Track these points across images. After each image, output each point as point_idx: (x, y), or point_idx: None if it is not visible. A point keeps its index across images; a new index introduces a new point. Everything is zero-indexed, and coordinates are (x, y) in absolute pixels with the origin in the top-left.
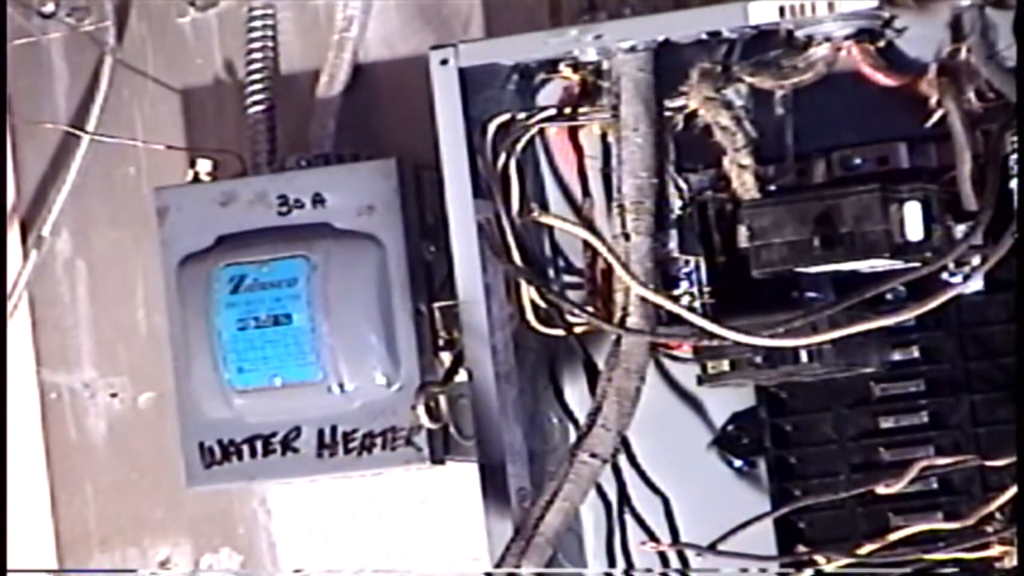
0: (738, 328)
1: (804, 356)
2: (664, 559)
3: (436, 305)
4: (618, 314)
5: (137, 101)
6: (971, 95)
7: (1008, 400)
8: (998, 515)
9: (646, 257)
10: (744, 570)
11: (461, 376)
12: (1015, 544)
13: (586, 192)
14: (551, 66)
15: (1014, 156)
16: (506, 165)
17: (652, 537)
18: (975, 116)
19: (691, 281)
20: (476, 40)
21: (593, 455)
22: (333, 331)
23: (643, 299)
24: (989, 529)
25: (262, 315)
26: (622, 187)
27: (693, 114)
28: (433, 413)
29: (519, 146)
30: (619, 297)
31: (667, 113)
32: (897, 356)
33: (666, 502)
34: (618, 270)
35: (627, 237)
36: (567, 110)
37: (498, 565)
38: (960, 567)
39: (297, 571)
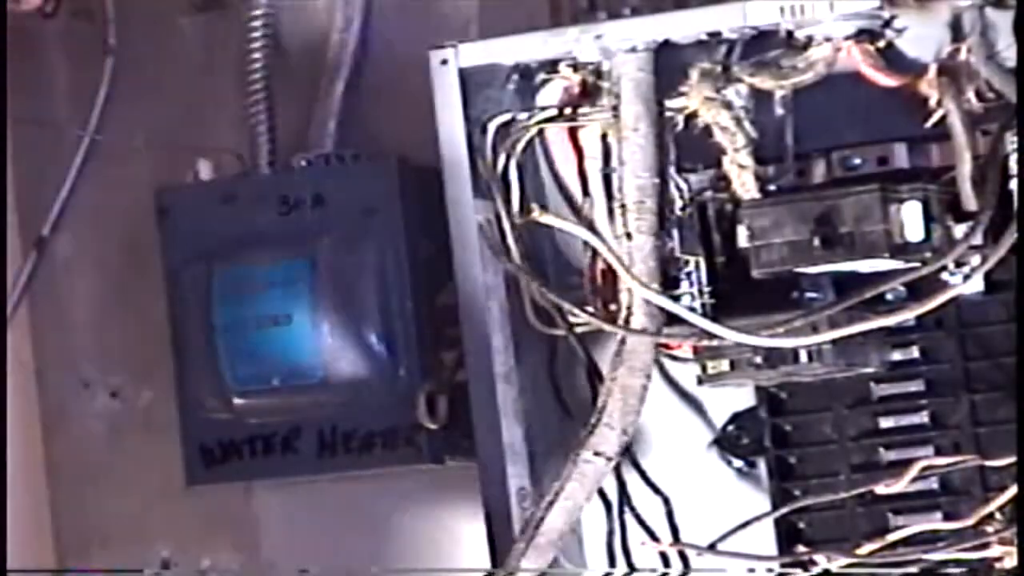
0: (738, 328)
1: (804, 356)
2: (664, 559)
3: (436, 305)
4: (623, 314)
5: (137, 101)
6: (971, 95)
7: (1008, 400)
8: (998, 515)
9: (649, 256)
10: (747, 570)
11: (461, 376)
12: (1015, 544)
13: (586, 192)
14: (551, 66)
15: (1014, 156)
16: (506, 165)
17: (652, 537)
18: (975, 116)
19: (691, 281)
20: (476, 40)
21: (597, 454)
22: (333, 331)
23: (647, 299)
24: (989, 529)
25: (262, 315)
26: (623, 187)
27: (693, 114)
28: (433, 413)
29: (519, 146)
30: (623, 297)
31: (667, 113)
32: (897, 356)
33: (666, 502)
34: (619, 270)
35: (629, 237)
36: (567, 110)
37: (498, 565)
38: (960, 567)
39: (302, 571)
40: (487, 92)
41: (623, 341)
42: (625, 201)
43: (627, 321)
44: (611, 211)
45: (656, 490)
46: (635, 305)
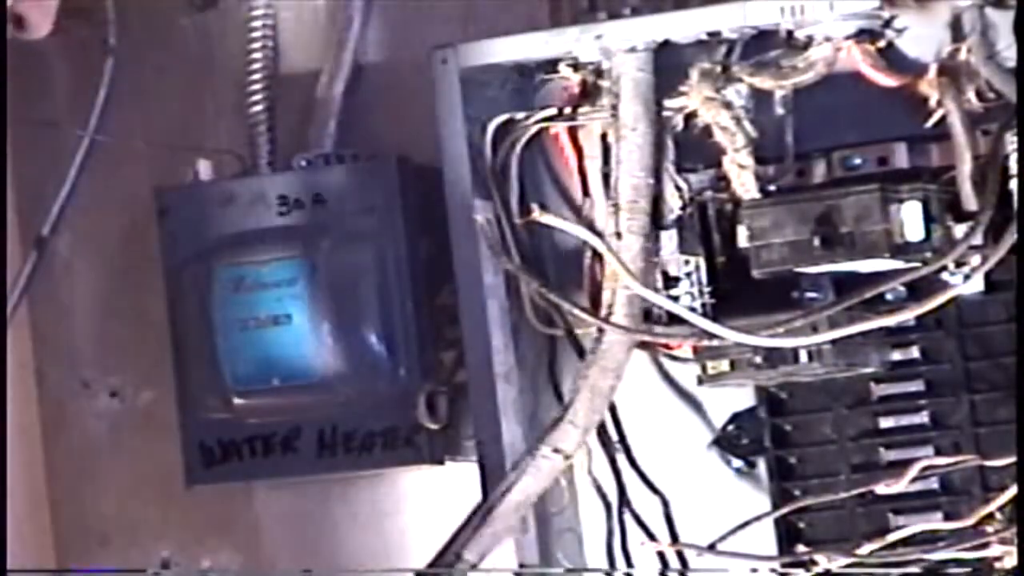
0: (738, 328)
1: (804, 356)
2: (662, 559)
3: (436, 305)
4: (603, 311)
5: (137, 101)
6: (971, 95)
7: (1008, 400)
8: (998, 515)
9: (638, 256)
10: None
11: (461, 376)
12: (1015, 544)
13: (586, 192)
14: (551, 66)
15: (1014, 156)
16: (506, 165)
17: (651, 537)
18: (975, 116)
19: (691, 281)
20: (476, 40)
21: (556, 450)
22: (333, 331)
23: (630, 298)
24: (989, 529)
25: (262, 315)
26: (618, 186)
27: (693, 114)
28: (433, 413)
29: (519, 146)
30: (606, 295)
31: (667, 113)
32: (897, 356)
33: (664, 502)
34: (618, 270)
35: (619, 236)
36: (567, 110)
37: (442, 554)
38: (960, 567)
39: (304, 571)
40: (487, 92)
41: (598, 340)
42: (619, 200)
43: (607, 319)
44: (595, 206)
45: (654, 490)
46: (616, 303)
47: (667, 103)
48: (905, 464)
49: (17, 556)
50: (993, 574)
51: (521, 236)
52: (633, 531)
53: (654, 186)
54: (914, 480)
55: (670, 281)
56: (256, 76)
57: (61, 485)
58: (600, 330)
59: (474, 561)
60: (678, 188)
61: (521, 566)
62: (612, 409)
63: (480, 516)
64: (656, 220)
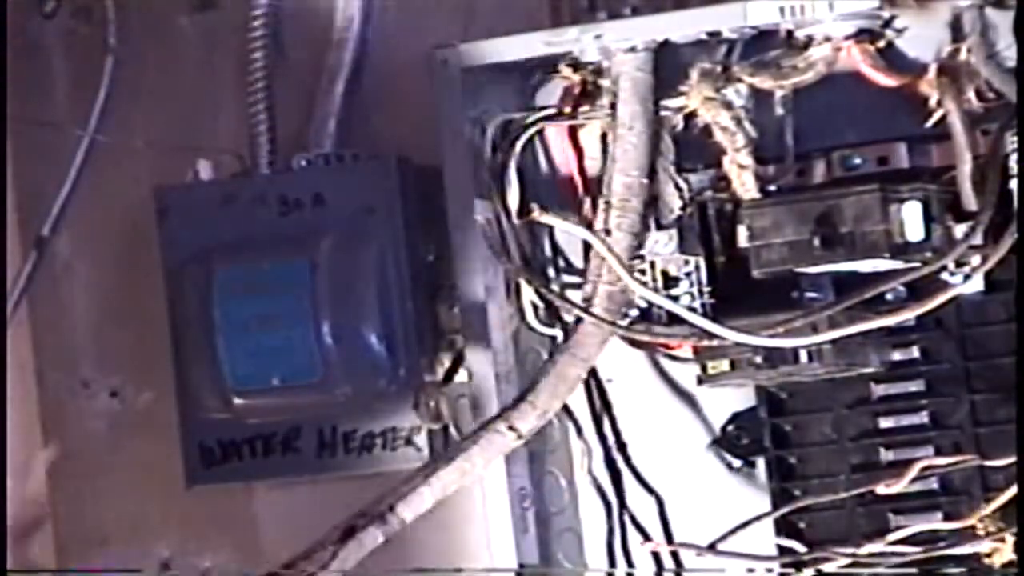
0: (738, 328)
1: (804, 356)
2: (657, 559)
3: (436, 304)
4: (582, 303)
5: (137, 101)
6: (971, 95)
7: (1008, 400)
8: (997, 515)
9: (624, 253)
10: (747, 570)
11: (461, 376)
12: (1014, 542)
13: (586, 192)
14: (551, 66)
15: (1014, 156)
16: (506, 165)
17: (646, 537)
18: (975, 116)
19: (691, 281)
20: (476, 40)
21: (511, 428)
22: (333, 331)
23: (610, 293)
24: (991, 529)
25: (262, 315)
26: (612, 184)
27: (693, 114)
28: (433, 413)
29: (519, 146)
30: (587, 288)
31: (667, 113)
32: (897, 356)
33: (660, 502)
34: (618, 270)
35: (608, 232)
36: (567, 110)
37: (376, 503)
38: (960, 567)
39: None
40: (487, 92)
41: (573, 329)
42: (611, 198)
43: (586, 310)
44: (595, 207)
45: (650, 490)
46: (596, 297)
47: (667, 103)
48: (905, 464)
49: (17, 556)
50: (994, 574)
51: (521, 236)
52: (633, 531)
53: (649, 186)
54: (914, 480)
55: (670, 281)
56: (256, 76)
57: (61, 485)
58: (577, 319)
59: (404, 516)
60: (678, 188)
61: (521, 566)
62: (610, 409)
63: (421, 475)
64: (656, 220)
